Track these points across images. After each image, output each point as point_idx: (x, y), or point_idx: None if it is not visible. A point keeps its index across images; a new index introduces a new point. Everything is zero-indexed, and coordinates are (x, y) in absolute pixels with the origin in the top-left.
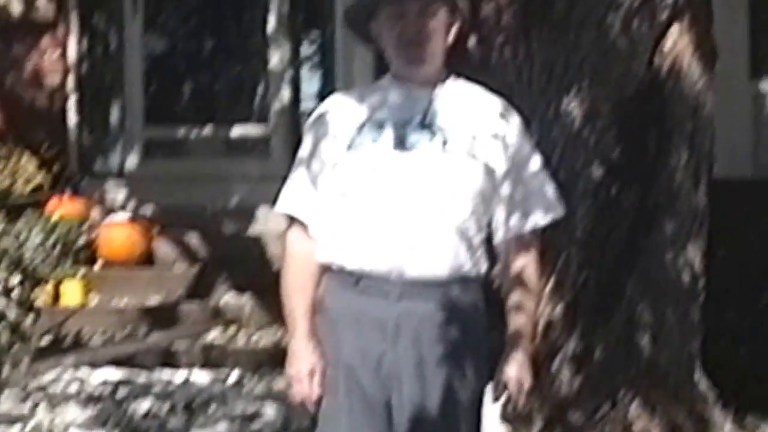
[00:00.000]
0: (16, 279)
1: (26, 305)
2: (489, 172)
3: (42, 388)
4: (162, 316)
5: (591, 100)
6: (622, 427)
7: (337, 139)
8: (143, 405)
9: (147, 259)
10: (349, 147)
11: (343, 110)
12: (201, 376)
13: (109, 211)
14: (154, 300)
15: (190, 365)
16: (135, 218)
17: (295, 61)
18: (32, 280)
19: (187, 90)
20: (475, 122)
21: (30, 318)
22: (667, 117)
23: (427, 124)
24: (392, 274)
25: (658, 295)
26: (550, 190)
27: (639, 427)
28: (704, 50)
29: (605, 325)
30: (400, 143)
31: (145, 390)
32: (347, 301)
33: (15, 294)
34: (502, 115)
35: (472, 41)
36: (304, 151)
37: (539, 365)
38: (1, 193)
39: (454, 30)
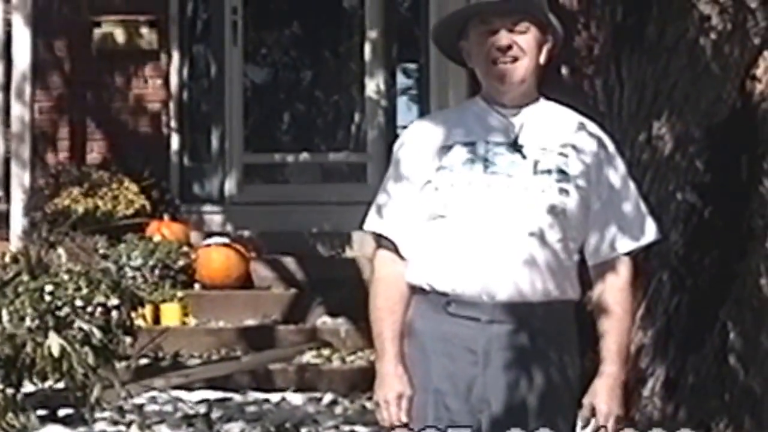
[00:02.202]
0: (114, 301)
1: (124, 327)
2: (581, 195)
3: (139, 407)
4: (258, 338)
5: (682, 125)
6: None
7: (426, 160)
8: (235, 427)
9: (244, 282)
10: (439, 168)
11: (431, 131)
12: (295, 398)
13: (207, 235)
14: (250, 322)
15: (285, 387)
16: (233, 242)
17: (390, 91)
18: (131, 302)
19: (286, 117)
20: (567, 144)
21: (127, 340)
22: (759, 142)
23: (518, 146)
24: (483, 296)
25: (752, 320)
26: (643, 213)
27: None
28: None
29: (698, 351)
30: (491, 166)
31: (238, 411)
32: (437, 323)
33: (114, 316)
34: (595, 138)
35: (565, 71)
36: (392, 171)
37: (630, 392)
38: (103, 216)
39: (546, 49)
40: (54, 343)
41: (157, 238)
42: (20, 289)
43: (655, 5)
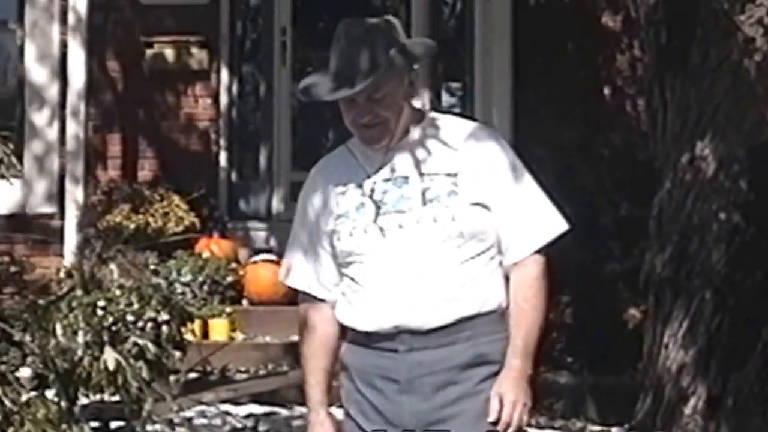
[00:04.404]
0: (164, 316)
1: (174, 342)
2: (477, 210)
3: (188, 420)
4: None
5: (725, 146)
6: None
7: (326, 209)
8: None
9: (291, 298)
10: (338, 217)
11: (325, 180)
12: (339, 413)
13: (254, 251)
14: (296, 337)
15: (331, 402)
16: (279, 258)
17: (436, 109)
18: (180, 317)
19: (332, 136)
20: (454, 160)
21: (176, 354)
22: None
23: (404, 179)
24: (398, 329)
25: None
26: (546, 208)
27: None
28: None
29: (740, 369)
30: (382, 206)
31: (285, 426)
32: (362, 357)
33: (164, 330)
34: (485, 144)
35: (607, 90)
36: (297, 222)
37: (672, 410)
38: (154, 232)
39: (410, 89)
40: (110, 357)
41: (206, 254)
42: (74, 303)
43: (699, 27)
